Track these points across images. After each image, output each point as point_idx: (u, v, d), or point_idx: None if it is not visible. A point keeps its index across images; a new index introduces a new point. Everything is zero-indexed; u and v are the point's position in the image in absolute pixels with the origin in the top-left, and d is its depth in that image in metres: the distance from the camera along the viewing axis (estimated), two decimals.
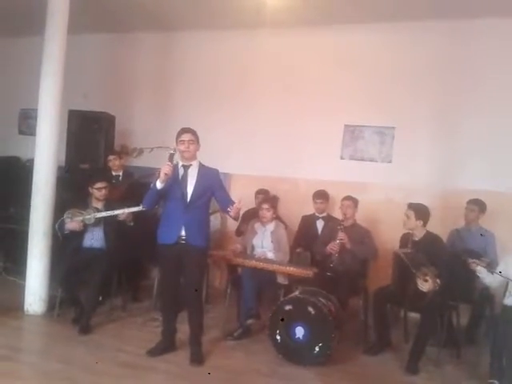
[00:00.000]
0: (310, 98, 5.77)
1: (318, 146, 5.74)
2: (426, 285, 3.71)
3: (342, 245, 4.45)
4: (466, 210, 4.69)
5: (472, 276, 3.87)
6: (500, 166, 5.05)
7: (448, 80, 5.30)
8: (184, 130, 3.67)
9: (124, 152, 6.23)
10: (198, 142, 3.69)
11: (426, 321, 3.84)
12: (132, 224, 4.42)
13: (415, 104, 5.40)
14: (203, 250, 3.71)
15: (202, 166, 3.73)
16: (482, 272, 3.75)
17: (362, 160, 5.64)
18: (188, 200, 3.61)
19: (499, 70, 5.10)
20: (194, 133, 3.68)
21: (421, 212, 4.06)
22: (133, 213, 4.31)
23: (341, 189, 5.08)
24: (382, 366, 3.89)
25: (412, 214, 4.05)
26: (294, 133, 5.82)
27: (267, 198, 5.09)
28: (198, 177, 3.65)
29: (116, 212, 4.30)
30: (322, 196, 5.13)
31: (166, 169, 3.47)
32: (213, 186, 3.68)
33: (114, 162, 5.42)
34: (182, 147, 3.62)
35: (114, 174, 5.40)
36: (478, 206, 4.65)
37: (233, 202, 3.62)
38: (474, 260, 3.78)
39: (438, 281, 3.74)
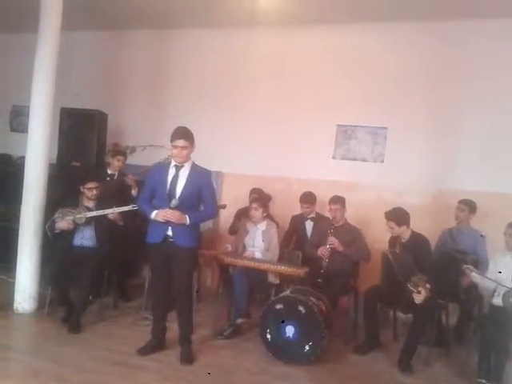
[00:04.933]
0: (303, 98, 5.77)
1: (310, 145, 5.74)
2: (420, 297, 3.69)
3: (332, 249, 4.46)
4: (456, 210, 4.73)
5: (461, 277, 3.88)
6: (493, 167, 5.07)
7: (441, 81, 5.32)
8: (177, 136, 3.55)
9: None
10: (192, 145, 3.61)
11: (420, 319, 3.84)
12: (122, 224, 4.42)
13: (408, 104, 5.42)
14: (192, 250, 3.68)
15: (194, 167, 3.68)
16: (476, 278, 3.76)
17: (354, 160, 5.66)
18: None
19: (492, 70, 5.12)
20: (187, 137, 3.56)
21: (400, 218, 4.06)
22: (122, 212, 4.31)
23: (333, 188, 5.05)
24: (371, 365, 3.90)
25: (393, 224, 4.06)
26: (286, 132, 5.81)
27: (257, 197, 5.05)
28: (188, 177, 3.61)
29: (107, 211, 4.30)
30: (307, 200, 5.06)
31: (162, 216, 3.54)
32: (201, 185, 3.64)
33: (118, 163, 5.26)
34: (174, 151, 3.59)
35: (109, 172, 5.31)
36: (467, 206, 4.67)
37: (213, 205, 3.72)
38: (468, 266, 3.78)
39: (428, 286, 3.72)
